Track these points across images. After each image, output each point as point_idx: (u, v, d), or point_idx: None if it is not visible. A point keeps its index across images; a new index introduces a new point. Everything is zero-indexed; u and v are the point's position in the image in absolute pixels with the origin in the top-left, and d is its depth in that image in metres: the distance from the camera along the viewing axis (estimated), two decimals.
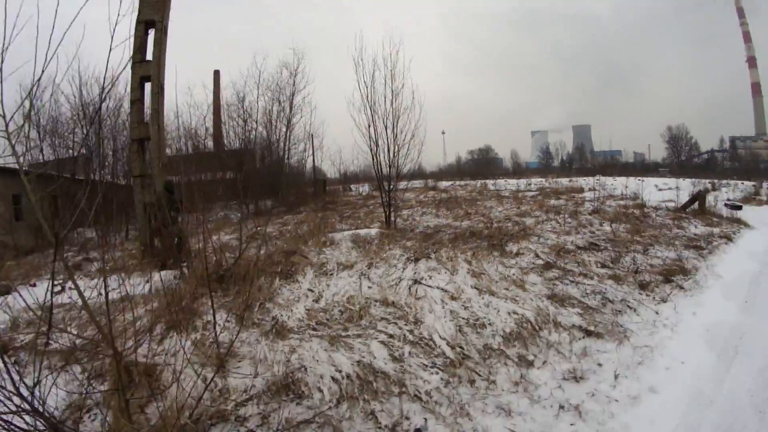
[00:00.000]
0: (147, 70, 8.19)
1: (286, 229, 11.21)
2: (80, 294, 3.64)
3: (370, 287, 5.40)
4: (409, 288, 5.21)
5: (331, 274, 6.03)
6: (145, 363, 4.05)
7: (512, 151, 76.68)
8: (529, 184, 25.06)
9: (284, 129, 22.51)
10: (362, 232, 8.97)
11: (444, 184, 32.52)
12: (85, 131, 16.43)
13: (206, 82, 26.19)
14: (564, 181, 26.21)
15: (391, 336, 4.11)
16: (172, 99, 20.08)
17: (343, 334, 4.22)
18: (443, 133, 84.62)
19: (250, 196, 19.49)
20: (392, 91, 9.57)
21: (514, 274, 5.65)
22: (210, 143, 24.36)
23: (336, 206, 17.83)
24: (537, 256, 6.38)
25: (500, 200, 15.51)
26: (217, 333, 4.04)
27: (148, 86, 8.34)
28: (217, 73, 26.49)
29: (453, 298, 4.87)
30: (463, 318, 4.42)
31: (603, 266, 6.33)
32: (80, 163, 16.39)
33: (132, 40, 8.34)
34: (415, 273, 5.69)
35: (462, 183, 32.06)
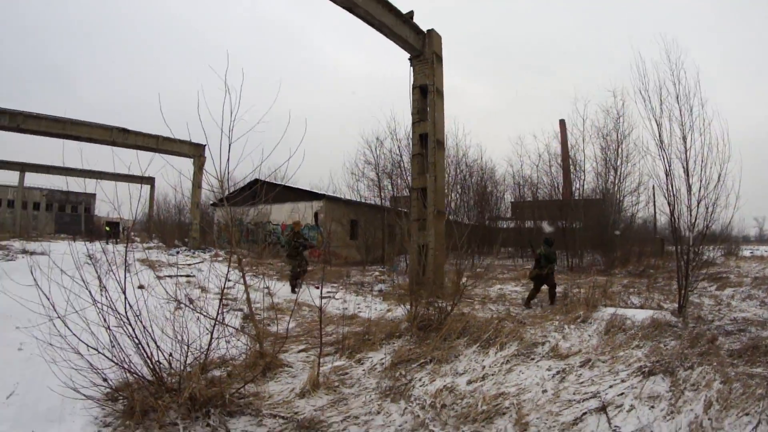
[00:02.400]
0: (425, 128, 9.15)
1: (574, 291, 10.22)
2: (248, 298, 4.90)
3: (544, 392, 4.32)
4: (576, 419, 3.76)
5: (532, 359, 5.28)
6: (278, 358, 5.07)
7: None
8: None
9: (613, 178, 20.65)
10: (632, 313, 7.28)
11: None
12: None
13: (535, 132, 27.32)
14: None
15: None
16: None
17: None
18: None
19: (576, 249, 18.93)
20: (681, 123, 7.54)
21: None
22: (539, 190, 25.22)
23: (658, 271, 15.17)
24: None
25: None
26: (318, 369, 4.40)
27: None
28: (562, 123, 26.46)
29: None
30: None
31: None
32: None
33: (411, 103, 9.71)
34: (620, 395, 4.14)
35: None
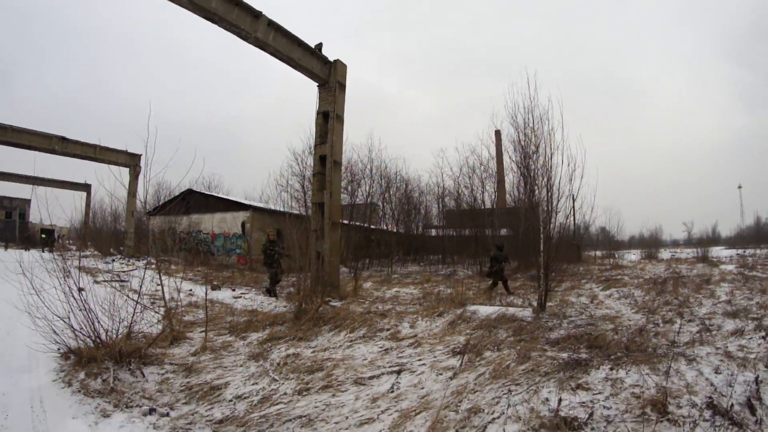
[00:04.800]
0: (324, 150, 11.14)
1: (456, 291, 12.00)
2: (163, 293, 7.19)
3: (364, 359, 6.09)
4: (372, 376, 5.43)
5: (372, 340, 7.15)
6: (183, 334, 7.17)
7: None
8: None
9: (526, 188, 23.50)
10: (484, 309, 9.06)
11: (721, 254, 27.62)
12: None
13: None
14: None
15: None
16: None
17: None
18: (739, 187, 66.93)
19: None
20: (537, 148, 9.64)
21: None
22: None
23: (560, 275, 17.30)
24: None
25: (747, 285, 12.70)
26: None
27: None
28: (498, 133, 28.93)
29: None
30: None
31: None
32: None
33: (315, 127, 11.69)
34: (422, 365, 5.74)
35: (747, 253, 27.14)
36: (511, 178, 25.48)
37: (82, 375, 5.11)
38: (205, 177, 44.33)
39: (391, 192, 29.68)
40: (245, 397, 4.86)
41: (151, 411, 4.42)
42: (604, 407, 4.07)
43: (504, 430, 3.78)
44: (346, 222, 22.69)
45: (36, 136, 24.83)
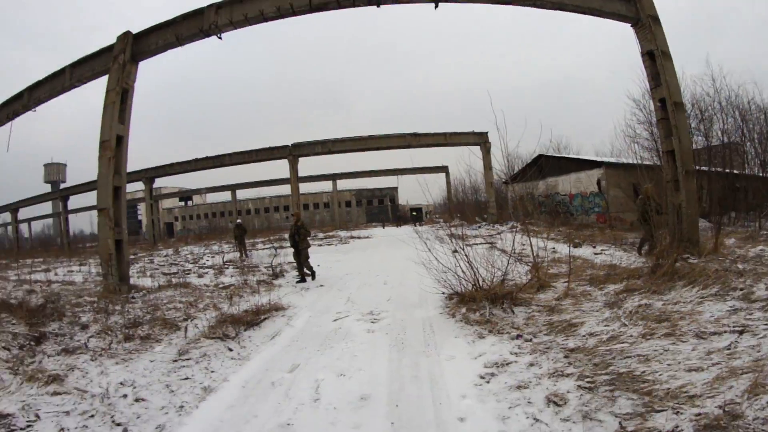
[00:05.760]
0: (661, 93, 10.96)
1: None
2: (532, 251, 9.47)
3: (711, 316, 6.50)
4: (714, 332, 5.83)
5: (723, 299, 7.29)
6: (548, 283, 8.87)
7: None
8: None
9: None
10: None
11: None
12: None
13: None
14: None
15: None
16: None
17: None
18: None
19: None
20: None
21: None
22: None
23: None
24: None
25: None
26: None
27: None
28: None
29: None
30: None
31: None
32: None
33: (644, 70, 11.67)
34: (764, 327, 6.10)
35: None
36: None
37: (463, 310, 7.66)
38: (553, 141, 45.50)
39: (750, 127, 24.02)
40: (596, 335, 6.37)
41: (518, 336, 6.46)
42: None
43: None
44: (703, 169, 20.50)
45: (392, 138, 32.46)
